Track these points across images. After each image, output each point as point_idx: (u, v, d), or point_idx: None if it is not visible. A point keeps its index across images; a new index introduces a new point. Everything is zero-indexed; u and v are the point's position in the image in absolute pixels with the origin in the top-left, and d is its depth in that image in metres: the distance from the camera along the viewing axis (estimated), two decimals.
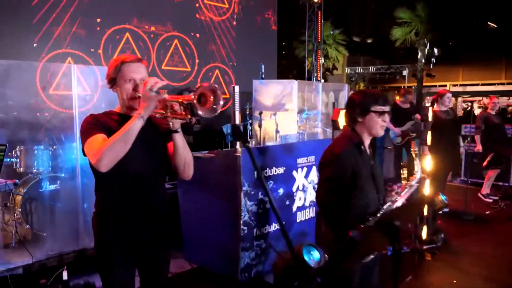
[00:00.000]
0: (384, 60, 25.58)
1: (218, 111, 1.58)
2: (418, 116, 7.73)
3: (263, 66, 6.59)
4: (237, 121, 1.51)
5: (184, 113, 1.65)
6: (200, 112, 1.56)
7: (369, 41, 25.62)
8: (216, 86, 1.57)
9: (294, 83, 5.58)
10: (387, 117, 2.12)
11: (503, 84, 24.87)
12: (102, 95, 4.45)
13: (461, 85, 26.16)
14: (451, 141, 5.28)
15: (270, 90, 5.73)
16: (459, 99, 25.07)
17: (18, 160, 4.02)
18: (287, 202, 3.80)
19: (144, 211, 1.84)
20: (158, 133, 1.88)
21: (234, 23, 7.78)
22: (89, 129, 1.72)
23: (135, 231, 1.84)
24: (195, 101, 1.54)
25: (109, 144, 1.61)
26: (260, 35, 8.17)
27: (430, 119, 4.67)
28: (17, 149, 4.00)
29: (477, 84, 25.93)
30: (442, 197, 4.83)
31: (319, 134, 6.01)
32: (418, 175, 2.24)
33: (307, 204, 4.03)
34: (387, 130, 7.26)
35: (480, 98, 23.88)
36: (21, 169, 4.03)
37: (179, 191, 3.95)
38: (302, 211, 3.98)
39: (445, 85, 25.86)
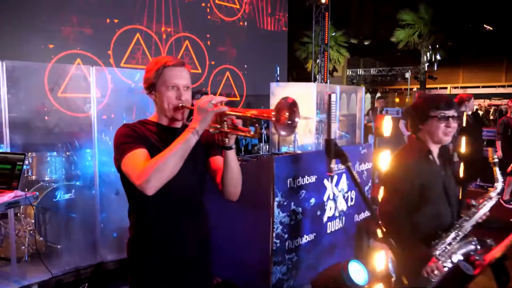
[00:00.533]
0: (384, 62, 25.54)
1: (295, 129, 1.36)
2: None
3: (278, 68, 6.40)
4: (334, 134, 1.24)
5: (247, 128, 1.44)
6: (280, 132, 1.33)
7: (366, 43, 25.57)
8: (295, 100, 1.36)
9: (313, 86, 5.38)
10: (451, 123, 1.93)
11: (503, 86, 24.86)
12: (112, 98, 4.25)
13: (461, 87, 26.13)
14: (477, 146, 5.14)
15: (288, 93, 5.48)
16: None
17: (29, 168, 3.78)
18: (318, 213, 3.59)
19: (190, 237, 1.64)
20: (200, 147, 1.65)
21: (245, 23, 7.58)
22: (127, 142, 1.49)
23: (180, 262, 1.63)
24: (273, 119, 1.31)
25: (158, 163, 1.38)
26: (271, 36, 7.98)
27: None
28: (29, 155, 3.77)
29: (478, 87, 25.92)
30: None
31: (337, 139, 5.81)
32: (499, 186, 2.04)
33: (336, 214, 3.82)
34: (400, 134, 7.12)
35: (482, 100, 23.87)
36: (33, 177, 3.80)
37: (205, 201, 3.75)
38: (332, 221, 3.77)
39: (446, 88, 25.87)
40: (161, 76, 1.55)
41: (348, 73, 24.77)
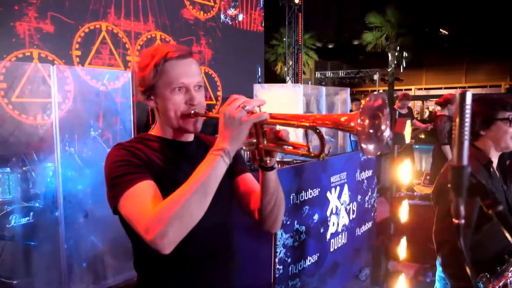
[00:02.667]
0: (351, 64, 25.89)
1: (384, 143, 0.92)
2: (416, 122, 7.47)
3: (259, 69, 5.98)
4: (466, 158, 0.78)
5: (302, 143, 1.00)
6: (367, 146, 0.89)
7: (330, 46, 25.81)
8: (385, 100, 0.90)
9: (299, 87, 5.01)
10: None
11: (464, 87, 25.81)
12: (77, 102, 3.71)
13: (425, 88, 26.97)
14: None
15: (275, 96, 5.09)
16: (425, 102, 25.80)
17: None
18: (322, 230, 3.20)
19: None
20: None
21: (220, 22, 7.11)
22: (126, 173, 1.03)
23: None
24: (358, 129, 0.85)
25: (175, 207, 0.94)
26: (247, 36, 7.55)
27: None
28: None
29: (440, 88, 26.83)
30: None
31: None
32: None
33: (339, 229, 3.44)
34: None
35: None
36: None
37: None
38: (335, 238, 3.39)
39: (410, 89, 26.60)
40: (162, 74, 1.10)
41: (316, 75, 24.83)
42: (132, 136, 3.51)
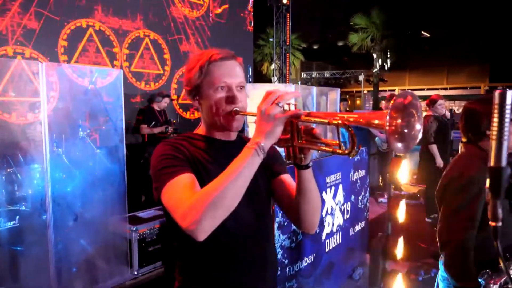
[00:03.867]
0: (336, 65, 26.11)
1: (417, 141, 0.90)
2: None
3: (250, 69, 5.93)
4: (505, 159, 0.75)
5: (336, 141, 1.00)
6: (397, 145, 0.88)
7: (315, 47, 25.96)
8: (414, 95, 0.89)
9: (291, 87, 4.98)
10: None
11: (445, 89, 26.36)
12: (66, 101, 3.60)
13: (408, 89, 27.34)
14: (447, 150, 5.03)
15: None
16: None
17: None
18: (317, 230, 3.18)
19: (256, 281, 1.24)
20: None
21: (210, 21, 7.04)
22: (169, 166, 1.12)
23: None
24: (388, 128, 0.83)
25: (211, 196, 0.99)
26: (236, 36, 7.49)
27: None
28: None
29: (423, 89, 27.31)
30: None
31: None
32: None
33: (334, 230, 3.43)
34: (372, 136, 6.96)
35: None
36: None
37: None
38: (330, 238, 3.37)
39: (394, 90, 26.99)
40: (206, 75, 1.19)
41: (302, 75, 24.93)
42: (123, 136, 3.42)
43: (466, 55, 25.10)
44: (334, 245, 3.44)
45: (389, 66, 19.57)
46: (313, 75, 22.94)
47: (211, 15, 7.05)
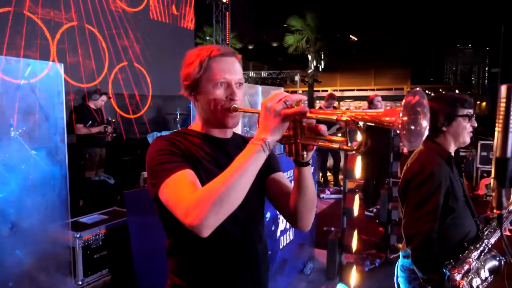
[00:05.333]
0: (271, 65, 26.68)
1: (424, 137, 0.93)
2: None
3: None
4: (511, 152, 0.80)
5: (340, 138, 1.00)
6: (410, 141, 0.89)
7: (250, 47, 26.34)
8: (423, 94, 0.91)
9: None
10: (475, 122, 1.77)
11: (373, 90, 28.17)
12: None
13: (340, 90, 28.83)
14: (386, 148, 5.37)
15: None
16: (341, 103, 27.56)
17: None
18: (273, 228, 3.20)
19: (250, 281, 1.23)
20: None
21: (150, 16, 6.77)
22: (167, 161, 1.09)
23: None
24: (399, 124, 0.85)
25: (217, 192, 0.97)
26: (177, 33, 7.30)
27: None
28: None
29: (353, 90, 28.96)
30: None
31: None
32: None
33: (287, 226, 3.48)
34: None
35: (358, 102, 26.64)
36: None
37: (130, 225, 3.04)
38: (284, 235, 3.42)
39: (327, 90, 28.25)
40: (206, 70, 1.17)
41: None
42: (65, 136, 3.15)
43: (390, 60, 27.11)
44: (287, 242, 3.50)
45: (322, 67, 20.41)
46: (250, 75, 23.17)
47: (153, 9, 6.80)
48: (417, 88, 0.90)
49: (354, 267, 2.87)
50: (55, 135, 3.10)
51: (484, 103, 29.28)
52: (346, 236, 2.86)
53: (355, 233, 2.82)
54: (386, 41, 23.73)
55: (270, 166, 1.29)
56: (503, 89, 0.72)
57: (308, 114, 1.00)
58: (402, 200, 1.80)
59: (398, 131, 0.86)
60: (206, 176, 1.11)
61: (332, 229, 4.49)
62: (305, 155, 1.09)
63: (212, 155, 1.19)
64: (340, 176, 8.11)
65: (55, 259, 3.03)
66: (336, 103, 8.33)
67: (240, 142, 1.30)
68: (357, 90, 28.44)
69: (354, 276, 2.88)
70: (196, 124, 1.27)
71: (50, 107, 3.14)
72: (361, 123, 0.94)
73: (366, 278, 3.58)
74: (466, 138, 1.78)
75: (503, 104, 0.71)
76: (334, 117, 0.97)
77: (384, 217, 3.98)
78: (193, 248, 1.17)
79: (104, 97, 5.58)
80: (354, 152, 0.98)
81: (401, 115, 0.84)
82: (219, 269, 1.18)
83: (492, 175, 0.74)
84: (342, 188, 7.18)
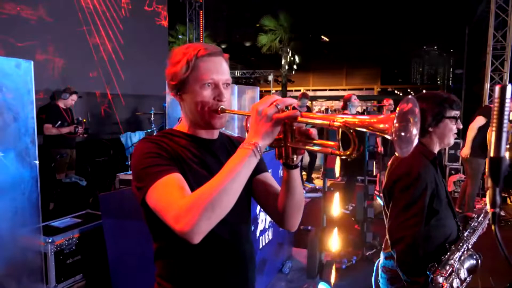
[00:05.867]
0: (244, 65, 26.68)
1: (414, 144, 0.94)
2: None
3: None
4: (504, 150, 0.80)
5: (331, 142, 1.00)
6: (402, 148, 0.90)
7: (223, 46, 26.23)
8: (415, 103, 0.92)
9: None
10: (460, 124, 1.80)
11: (344, 90, 28.69)
12: None
13: (312, 90, 29.19)
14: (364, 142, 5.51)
15: None
16: (313, 102, 27.91)
17: None
18: (252, 228, 3.19)
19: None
20: None
21: (122, 13, 6.60)
22: (155, 164, 1.06)
23: None
24: (392, 131, 0.86)
25: (208, 198, 0.95)
26: (151, 31, 7.15)
27: None
28: None
29: (325, 89, 29.39)
30: (379, 201, 4.89)
31: None
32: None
33: (267, 226, 3.48)
34: None
35: (330, 102, 27.07)
36: None
37: (106, 228, 2.97)
38: (263, 235, 3.42)
39: (300, 90, 28.53)
40: (193, 70, 1.13)
41: None
42: (35, 137, 3.02)
43: (361, 60, 27.70)
44: (266, 241, 3.50)
45: (295, 67, 20.60)
46: None
47: (125, 6, 6.63)
48: (410, 96, 0.92)
49: (334, 265, 2.90)
50: (25, 136, 2.96)
51: None
52: (326, 235, 2.88)
53: (335, 232, 2.84)
54: (357, 42, 24.24)
55: (257, 166, 1.27)
56: (497, 89, 0.74)
57: (300, 118, 0.99)
58: (387, 201, 1.78)
59: (390, 138, 0.87)
60: (193, 177, 1.10)
61: (309, 228, 4.53)
62: (294, 159, 1.09)
63: (199, 156, 1.18)
64: (315, 175, 8.21)
65: (25, 265, 2.90)
66: (309, 103, 8.41)
67: (226, 142, 1.30)
68: (329, 90, 28.88)
69: (333, 274, 2.91)
70: (182, 125, 1.24)
71: (19, 106, 2.99)
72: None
73: (343, 275, 3.63)
74: (451, 140, 1.79)
75: (497, 105, 0.73)
76: (327, 122, 0.96)
77: (360, 215, 4.05)
78: (182, 252, 1.15)
79: (74, 96, 5.39)
80: (347, 156, 0.96)
81: (395, 121, 0.85)
82: (208, 271, 1.17)
83: (487, 173, 0.75)
84: (317, 187, 7.30)
